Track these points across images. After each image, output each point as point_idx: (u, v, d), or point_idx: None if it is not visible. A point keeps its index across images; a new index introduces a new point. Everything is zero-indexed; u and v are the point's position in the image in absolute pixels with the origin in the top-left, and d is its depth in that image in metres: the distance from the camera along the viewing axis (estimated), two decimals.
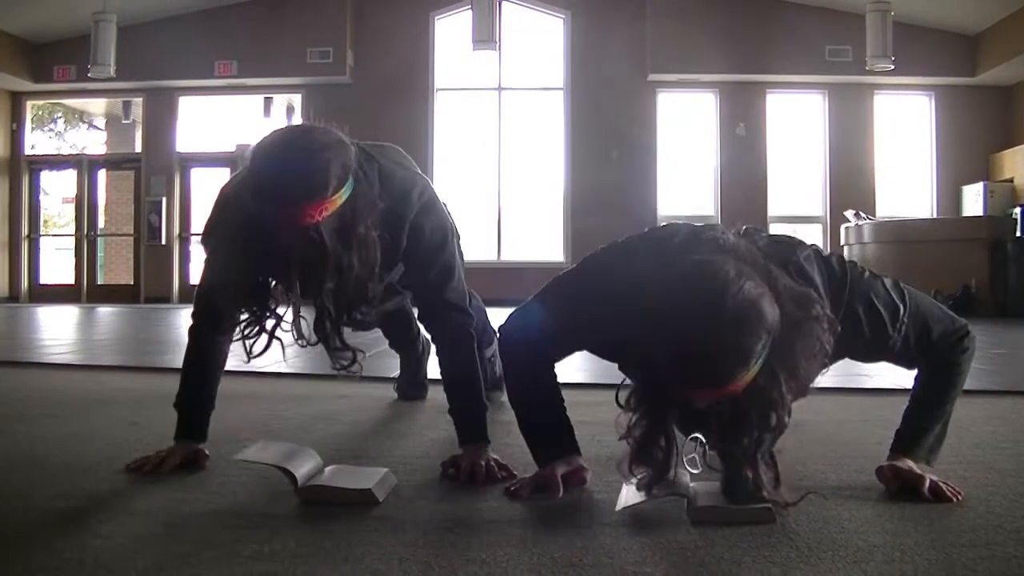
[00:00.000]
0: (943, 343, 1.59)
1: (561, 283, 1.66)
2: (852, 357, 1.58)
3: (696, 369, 1.26)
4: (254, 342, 1.66)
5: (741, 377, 1.26)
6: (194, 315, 1.83)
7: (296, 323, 1.62)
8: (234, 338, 1.73)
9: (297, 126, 1.69)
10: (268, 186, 1.50)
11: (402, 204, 1.74)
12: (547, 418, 1.64)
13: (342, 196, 1.52)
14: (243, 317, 1.66)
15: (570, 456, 1.61)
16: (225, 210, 1.73)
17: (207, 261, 1.80)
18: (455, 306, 1.85)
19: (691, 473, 1.43)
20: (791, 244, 1.53)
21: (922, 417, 1.62)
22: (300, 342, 1.64)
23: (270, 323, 1.67)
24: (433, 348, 1.96)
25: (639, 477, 1.42)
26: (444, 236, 1.84)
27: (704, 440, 1.39)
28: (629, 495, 1.46)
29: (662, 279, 1.32)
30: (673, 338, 1.26)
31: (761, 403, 1.30)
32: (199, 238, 1.82)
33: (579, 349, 1.69)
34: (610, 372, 1.68)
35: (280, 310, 1.67)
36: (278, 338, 1.67)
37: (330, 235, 1.50)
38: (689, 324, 1.25)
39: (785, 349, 1.30)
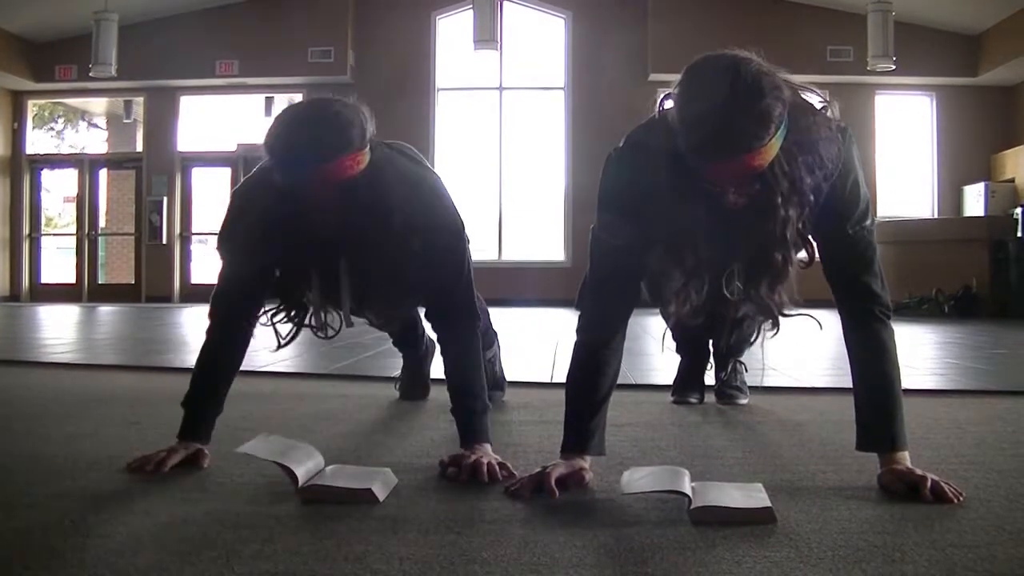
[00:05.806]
0: (871, 298, 1.60)
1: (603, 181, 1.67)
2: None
3: (719, 138, 1.31)
4: (292, 328, 1.76)
5: (765, 142, 1.32)
6: (210, 315, 1.83)
7: (319, 314, 1.66)
8: (265, 325, 1.79)
9: (310, 99, 1.71)
10: (298, 149, 1.50)
11: (414, 202, 1.73)
12: (576, 409, 1.65)
13: (367, 155, 1.55)
14: (275, 308, 1.73)
15: (574, 456, 1.61)
16: (240, 208, 1.73)
17: (223, 263, 1.80)
18: (463, 307, 1.84)
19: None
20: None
21: (887, 406, 1.60)
22: (320, 334, 1.71)
23: (298, 313, 1.75)
24: (438, 348, 1.96)
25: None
26: (455, 236, 1.84)
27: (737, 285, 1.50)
28: (632, 479, 1.50)
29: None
30: (695, 114, 1.32)
31: (785, 185, 1.36)
32: (215, 242, 1.82)
33: (636, 228, 1.64)
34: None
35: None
36: (308, 326, 1.74)
37: (364, 188, 1.51)
38: (708, 99, 1.31)
39: (800, 132, 1.37)
